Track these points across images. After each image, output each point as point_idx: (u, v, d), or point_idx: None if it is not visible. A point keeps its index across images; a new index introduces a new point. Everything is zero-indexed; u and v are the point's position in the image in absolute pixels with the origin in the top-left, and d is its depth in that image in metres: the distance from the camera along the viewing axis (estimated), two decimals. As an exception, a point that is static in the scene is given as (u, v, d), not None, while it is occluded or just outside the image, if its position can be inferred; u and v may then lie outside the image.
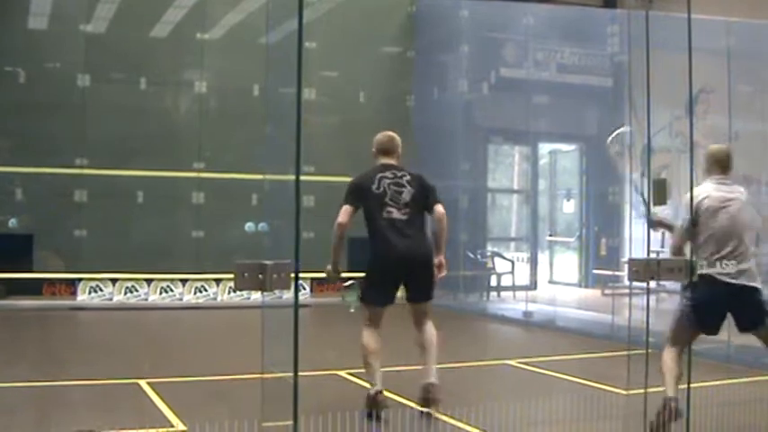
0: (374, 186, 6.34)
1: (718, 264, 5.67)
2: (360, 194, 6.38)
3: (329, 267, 6.42)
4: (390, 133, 6.65)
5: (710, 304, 5.74)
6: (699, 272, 5.56)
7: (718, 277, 5.68)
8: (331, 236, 6.35)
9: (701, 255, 5.71)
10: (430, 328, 6.39)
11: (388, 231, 6.27)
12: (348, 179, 6.57)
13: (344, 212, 6.31)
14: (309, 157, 12.07)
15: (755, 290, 5.77)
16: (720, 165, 5.89)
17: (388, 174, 6.40)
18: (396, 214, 6.29)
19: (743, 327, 5.93)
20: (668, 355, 5.82)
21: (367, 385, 6.27)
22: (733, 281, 5.69)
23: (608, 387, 7.17)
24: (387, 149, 6.57)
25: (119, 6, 14.11)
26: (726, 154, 5.91)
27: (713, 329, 5.95)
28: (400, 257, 6.26)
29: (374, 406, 6.07)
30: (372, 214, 6.33)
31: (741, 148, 13.33)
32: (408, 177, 6.42)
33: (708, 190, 5.81)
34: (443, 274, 6.45)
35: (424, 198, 6.40)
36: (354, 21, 15.23)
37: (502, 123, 15.80)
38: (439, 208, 6.42)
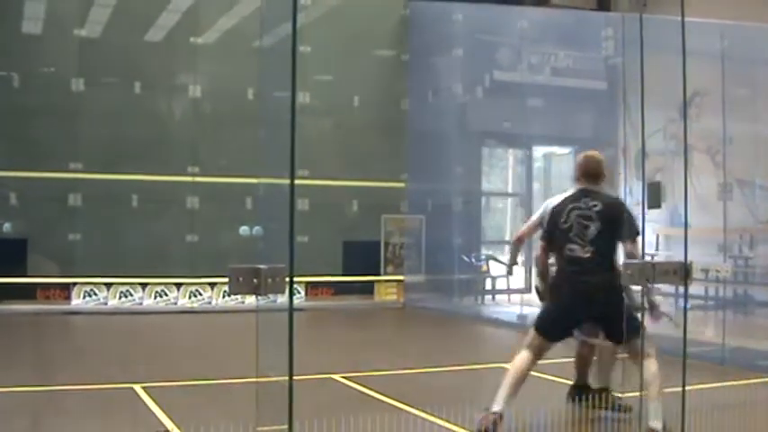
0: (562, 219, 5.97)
1: None
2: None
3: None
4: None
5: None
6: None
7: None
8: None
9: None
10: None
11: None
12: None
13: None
14: (304, 160, 12.07)
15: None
16: None
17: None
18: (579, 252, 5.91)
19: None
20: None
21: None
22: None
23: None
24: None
25: (113, 11, 14.10)
26: None
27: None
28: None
29: None
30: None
31: (735, 152, 13.36)
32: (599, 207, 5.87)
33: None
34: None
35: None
36: (348, 24, 15.23)
37: (496, 126, 15.80)
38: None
